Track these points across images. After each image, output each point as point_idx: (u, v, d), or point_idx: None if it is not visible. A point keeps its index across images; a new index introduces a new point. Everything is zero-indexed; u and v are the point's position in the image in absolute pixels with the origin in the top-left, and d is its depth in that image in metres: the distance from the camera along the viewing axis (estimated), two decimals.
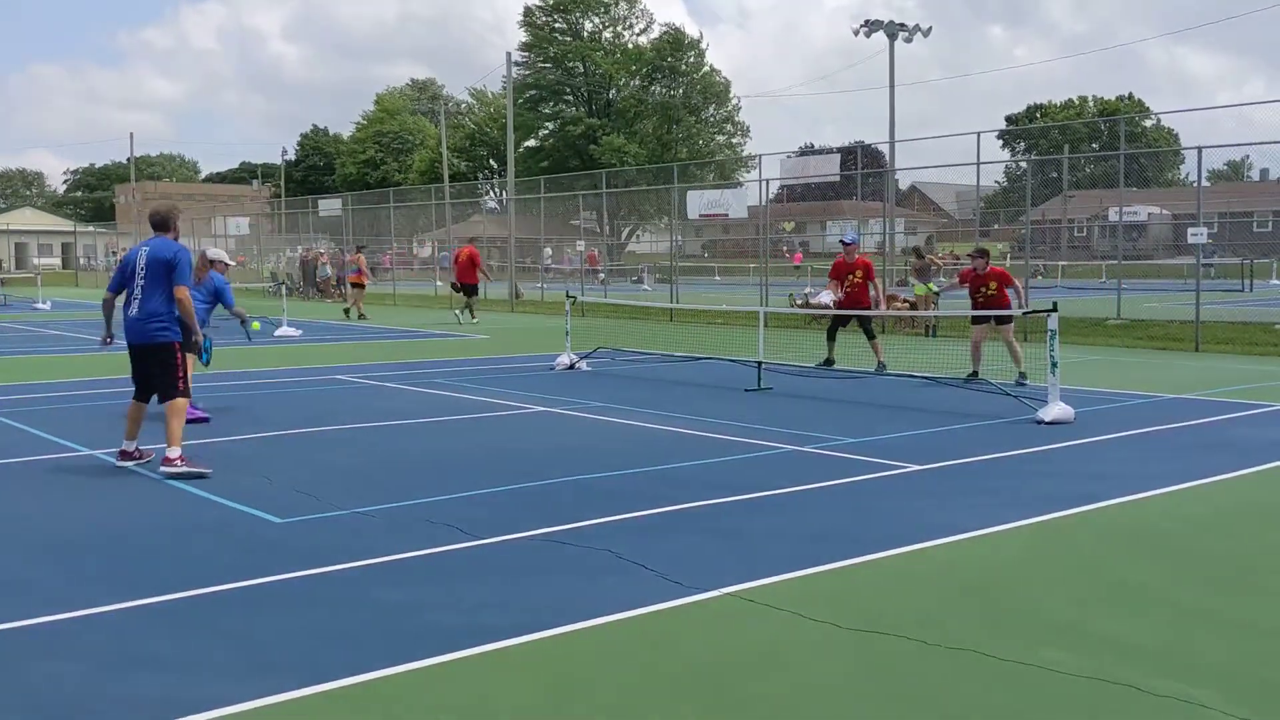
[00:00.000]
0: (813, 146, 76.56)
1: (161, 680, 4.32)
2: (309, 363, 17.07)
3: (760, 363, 13.81)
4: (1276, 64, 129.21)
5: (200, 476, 8.12)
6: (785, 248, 59.08)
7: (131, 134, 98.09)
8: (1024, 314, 14.09)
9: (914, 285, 22.46)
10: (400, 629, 4.90)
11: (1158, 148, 72.10)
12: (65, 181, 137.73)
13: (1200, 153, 20.06)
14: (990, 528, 6.69)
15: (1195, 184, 21.07)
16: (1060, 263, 52.69)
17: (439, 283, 40.34)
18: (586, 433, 10.44)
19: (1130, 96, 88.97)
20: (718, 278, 56.57)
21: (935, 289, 21.38)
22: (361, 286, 29.72)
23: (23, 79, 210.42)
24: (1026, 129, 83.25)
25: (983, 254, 14.38)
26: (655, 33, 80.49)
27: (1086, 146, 78.73)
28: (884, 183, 30.46)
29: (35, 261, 77.53)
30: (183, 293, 8.42)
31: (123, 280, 8.62)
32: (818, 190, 54.37)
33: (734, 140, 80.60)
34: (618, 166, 60.36)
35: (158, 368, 8.53)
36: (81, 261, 73.39)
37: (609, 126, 76.78)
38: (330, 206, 48.68)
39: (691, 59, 78.84)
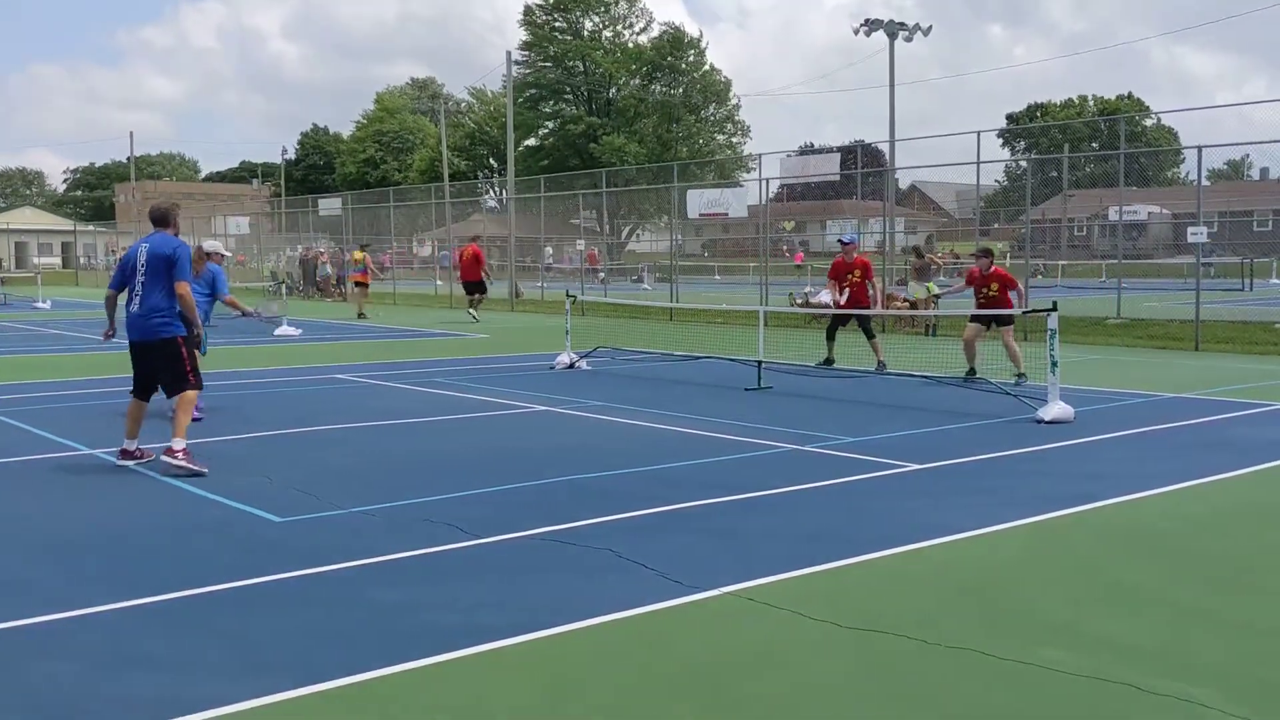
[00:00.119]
0: (813, 146, 76.44)
1: (158, 680, 4.32)
2: (308, 362, 17.07)
3: (760, 362, 13.81)
4: (1277, 63, 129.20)
5: (198, 474, 8.13)
6: (785, 247, 59.07)
7: (131, 133, 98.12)
8: (1024, 313, 14.08)
9: (913, 289, 22.40)
10: (397, 628, 4.90)
11: (1158, 147, 72.09)
12: (65, 181, 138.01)
13: (1200, 152, 20.05)
14: (989, 527, 6.68)
15: (1195, 183, 21.07)
16: (1060, 262, 52.66)
17: (439, 282, 40.34)
18: (586, 432, 10.44)
19: (1130, 96, 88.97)
20: (718, 277, 56.56)
21: (936, 291, 21.33)
22: (365, 285, 29.72)
23: (23, 78, 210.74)
24: (1027, 128, 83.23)
25: (986, 254, 14.32)
26: (655, 32, 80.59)
27: (1086, 146, 78.70)
28: (884, 182, 30.44)
29: (35, 261, 77.50)
30: (184, 288, 8.43)
31: (124, 277, 8.63)
32: (818, 189, 54.36)
33: (734, 139, 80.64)
34: (618, 166, 60.34)
35: (163, 363, 8.54)
36: (81, 261, 73.39)
37: (609, 126, 76.80)
38: (330, 206, 48.70)
39: (691, 58, 78.88)
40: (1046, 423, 10.47)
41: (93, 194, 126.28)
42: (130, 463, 8.54)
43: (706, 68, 79.58)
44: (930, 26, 35.26)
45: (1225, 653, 4.64)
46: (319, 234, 49.76)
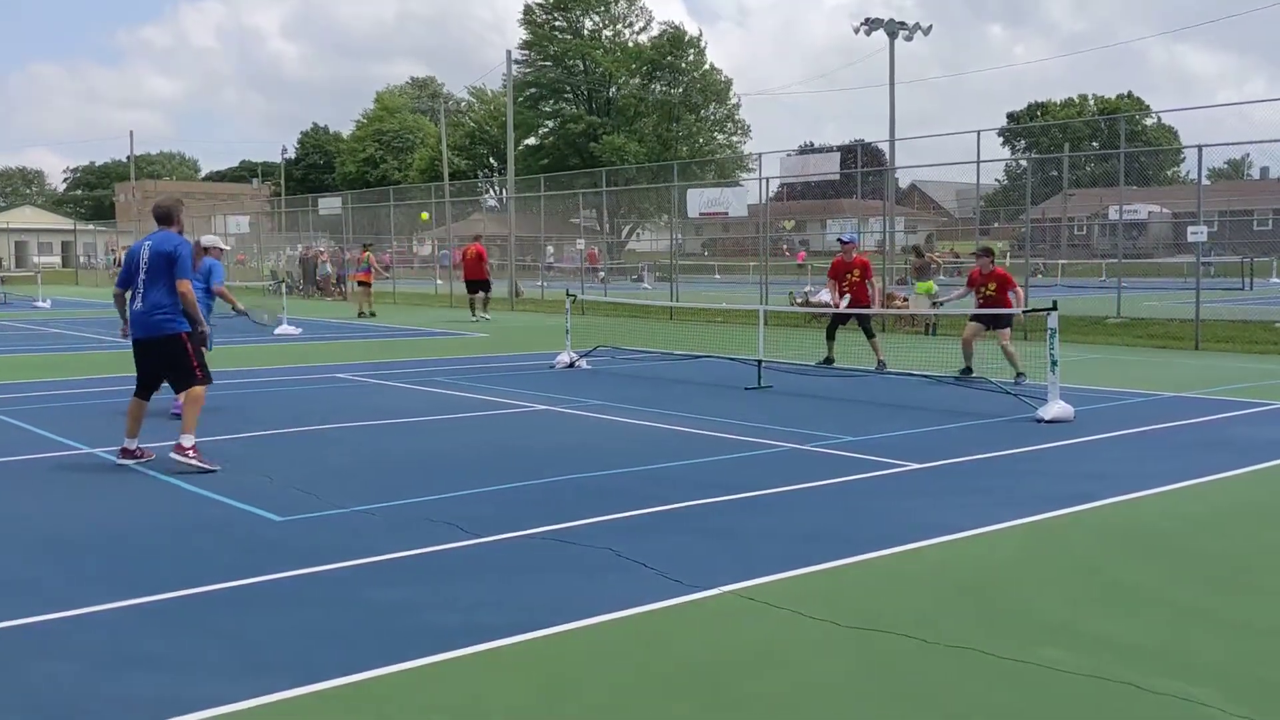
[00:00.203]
0: (812, 145, 76.49)
1: (157, 680, 4.32)
2: (309, 361, 17.07)
3: (760, 361, 13.81)
4: (1277, 62, 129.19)
5: (207, 471, 8.15)
6: (785, 246, 59.07)
7: (131, 132, 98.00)
8: (1024, 313, 14.08)
9: (916, 289, 22.39)
10: (396, 628, 4.90)
11: (1158, 146, 72.07)
12: (65, 180, 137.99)
13: (1200, 151, 20.05)
14: (988, 526, 6.68)
15: (1195, 182, 21.06)
16: (1060, 261, 52.64)
17: (439, 281, 40.34)
18: (587, 431, 10.44)
19: (1130, 95, 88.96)
20: (718, 276, 56.56)
21: (935, 291, 21.30)
22: (368, 285, 29.76)
23: (22, 78, 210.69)
24: (1027, 127, 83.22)
25: (986, 253, 14.31)
26: (655, 31, 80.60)
27: (1087, 145, 78.69)
28: (884, 181, 30.45)
29: (35, 260, 77.43)
30: (185, 286, 8.43)
31: (129, 275, 8.65)
32: (818, 189, 54.36)
33: (734, 138, 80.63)
34: (618, 165, 60.34)
35: (167, 360, 8.55)
36: (81, 260, 73.40)
37: (609, 125, 76.80)
38: (330, 205, 48.70)
39: (691, 57, 78.88)
40: (1046, 422, 10.47)
41: (92, 193, 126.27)
42: (131, 462, 8.54)
43: (706, 67, 79.59)
44: (930, 26, 35.27)
45: (1225, 652, 4.64)
46: (319, 233, 49.77)
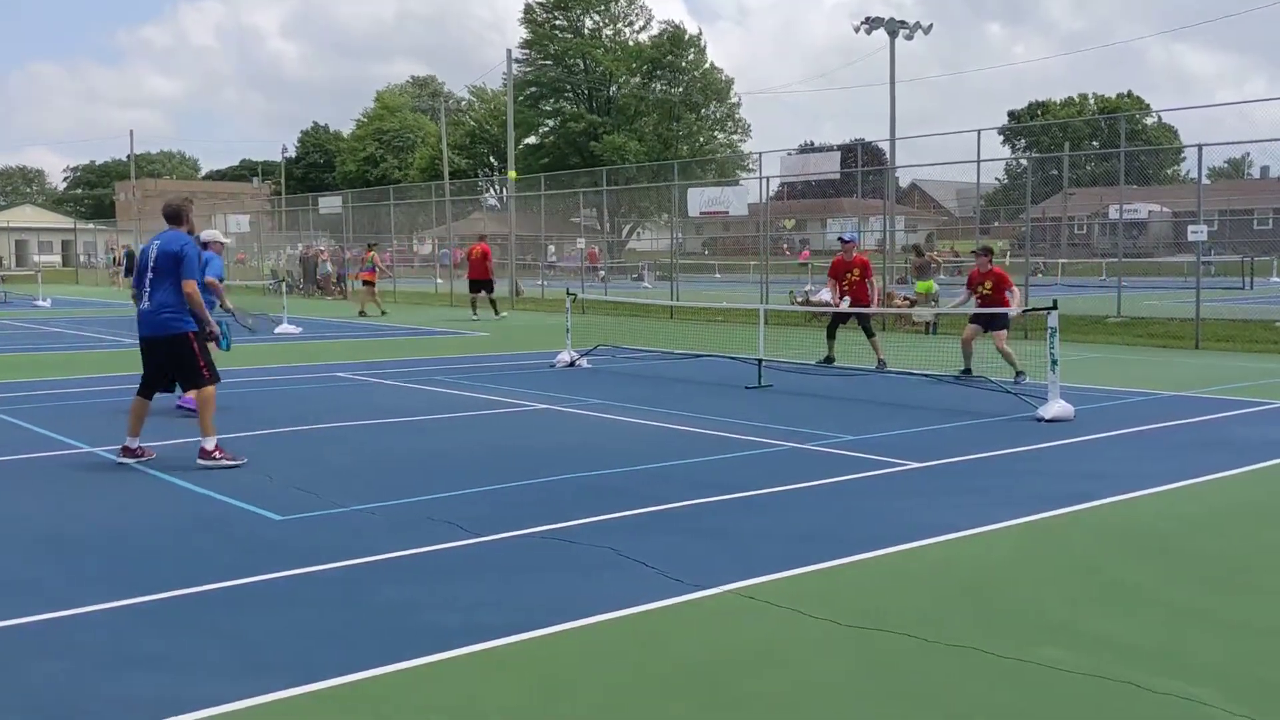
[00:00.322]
0: (813, 144, 76.40)
1: (157, 680, 4.32)
2: (309, 360, 17.08)
3: (760, 360, 13.81)
4: (1277, 62, 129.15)
5: (236, 466, 8.26)
6: (786, 245, 59.07)
7: (131, 131, 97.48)
8: (1024, 312, 14.06)
9: (915, 289, 22.38)
10: (395, 628, 4.90)
11: (1158, 145, 72.07)
12: (65, 179, 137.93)
13: (1201, 150, 20.03)
14: (987, 526, 6.68)
15: (1196, 181, 21.06)
16: (1060, 260, 52.64)
17: (439, 280, 40.35)
18: (587, 430, 10.44)
19: (1130, 94, 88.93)
20: (718, 275, 56.57)
21: (936, 313, 21.21)
22: (372, 284, 29.79)
23: (22, 77, 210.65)
24: (1027, 126, 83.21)
25: (985, 252, 14.27)
26: (655, 30, 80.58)
27: (1087, 144, 78.67)
28: (884, 180, 30.45)
29: (35, 259, 77.41)
30: (190, 286, 8.44)
31: (141, 274, 8.70)
32: (818, 188, 54.36)
33: (734, 137, 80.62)
34: (618, 164, 60.34)
35: (174, 360, 8.58)
36: (81, 259, 73.39)
37: (610, 124, 76.79)
38: (330, 204, 48.69)
39: (691, 56, 78.86)
40: (1046, 421, 10.48)
41: (93, 192, 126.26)
42: (131, 460, 8.55)
43: (707, 66, 79.57)
44: (930, 25, 35.26)
45: (1224, 652, 4.65)
46: (319, 232, 49.78)
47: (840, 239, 16.60)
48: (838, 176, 33.69)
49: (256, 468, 8.43)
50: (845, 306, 15.45)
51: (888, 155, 35.47)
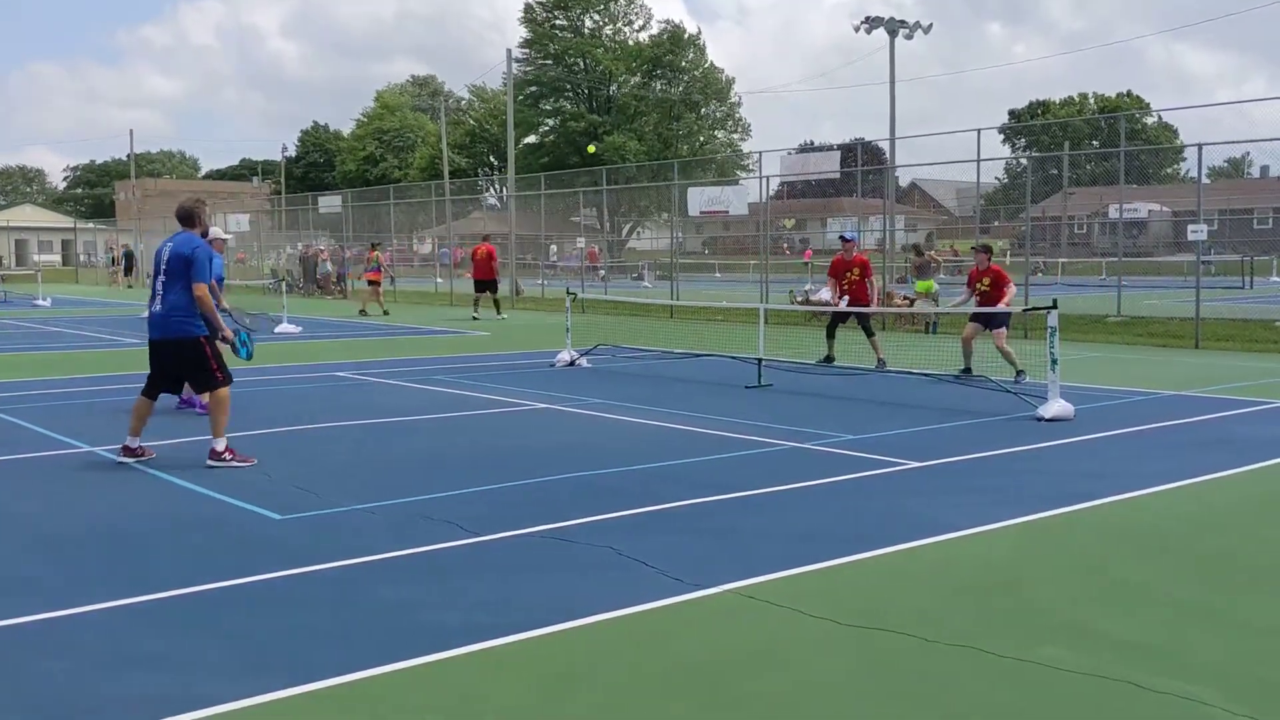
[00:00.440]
0: (813, 143, 76.34)
1: (157, 679, 4.32)
2: (309, 359, 17.07)
3: (760, 359, 13.81)
4: (1277, 61, 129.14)
5: (248, 465, 8.29)
6: (785, 245, 59.06)
7: (131, 131, 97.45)
8: (1024, 311, 14.05)
9: (915, 288, 22.36)
10: (395, 627, 4.90)
11: (1158, 145, 72.07)
12: (65, 178, 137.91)
13: (1201, 150, 20.02)
14: (987, 525, 6.68)
15: (1195, 181, 21.05)
16: (1060, 260, 52.65)
17: (439, 279, 40.35)
18: (587, 430, 10.43)
19: (1130, 94, 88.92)
20: (718, 274, 56.57)
21: (938, 311, 21.20)
22: (377, 284, 29.81)
23: (22, 77, 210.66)
24: (1027, 125, 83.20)
25: (985, 250, 14.28)
26: (654, 29, 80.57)
27: (1087, 143, 78.65)
28: (884, 180, 30.45)
29: (35, 258, 77.47)
30: (201, 290, 8.39)
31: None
32: (818, 187, 54.33)
33: (734, 137, 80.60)
34: (618, 164, 60.33)
35: (185, 364, 8.55)
36: (81, 258, 73.39)
37: (610, 124, 76.78)
38: (330, 203, 48.68)
39: (691, 55, 78.86)
40: (1047, 420, 10.47)
41: (93, 191, 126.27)
42: (132, 460, 8.53)
43: (707, 65, 79.57)
44: (930, 24, 35.28)
45: (1224, 651, 4.64)
46: (319, 232, 49.76)
47: (841, 237, 16.61)
48: (838, 176, 33.67)
49: (256, 467, 8.41)
50: (845, 306, 15.45)
51: (888, 155, 35.47)
